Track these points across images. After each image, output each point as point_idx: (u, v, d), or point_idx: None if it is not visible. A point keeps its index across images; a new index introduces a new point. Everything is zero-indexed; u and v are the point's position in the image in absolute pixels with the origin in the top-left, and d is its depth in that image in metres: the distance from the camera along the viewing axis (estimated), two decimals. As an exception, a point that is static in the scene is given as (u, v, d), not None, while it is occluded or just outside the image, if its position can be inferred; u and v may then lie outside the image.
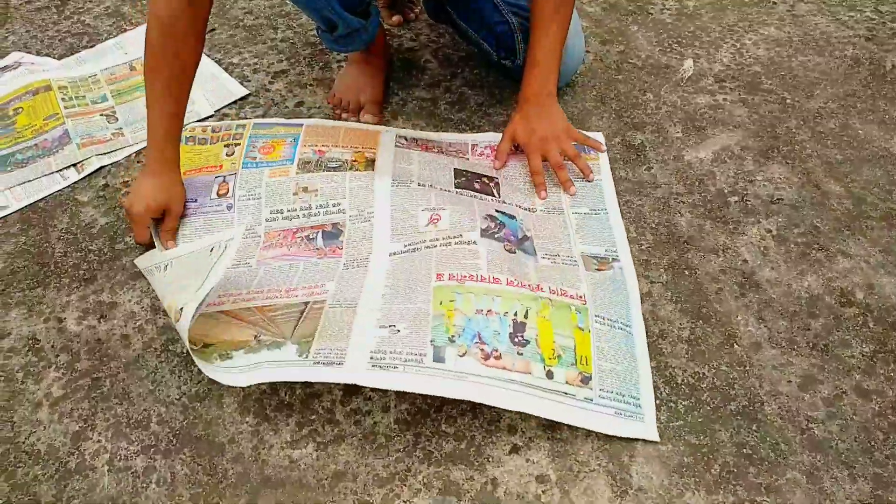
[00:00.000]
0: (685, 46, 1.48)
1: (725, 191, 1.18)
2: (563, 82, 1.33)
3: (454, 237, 1.04)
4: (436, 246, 1.04)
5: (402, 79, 1.42)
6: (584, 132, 1.20)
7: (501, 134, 1.21)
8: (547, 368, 0.91)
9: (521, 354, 0.91)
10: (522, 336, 0.93)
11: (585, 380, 0.91)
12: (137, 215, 1.07)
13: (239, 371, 0.90)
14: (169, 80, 1.03)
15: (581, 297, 0.99)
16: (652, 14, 1.57)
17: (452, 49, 1.48)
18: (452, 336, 0.91)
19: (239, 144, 1.22)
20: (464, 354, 0.90)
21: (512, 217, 1.10)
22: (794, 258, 1.08)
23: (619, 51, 1.47)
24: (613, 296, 1.01)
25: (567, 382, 0.90)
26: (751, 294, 1.04)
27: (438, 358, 0.89)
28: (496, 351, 0.91)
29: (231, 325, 0.96)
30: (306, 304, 0.98)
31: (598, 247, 1.08)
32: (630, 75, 1.41)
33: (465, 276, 0.98)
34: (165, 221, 1.09)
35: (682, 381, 0.94)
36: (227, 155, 1.20)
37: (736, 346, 0.98)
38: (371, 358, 0.89)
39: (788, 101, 1.34)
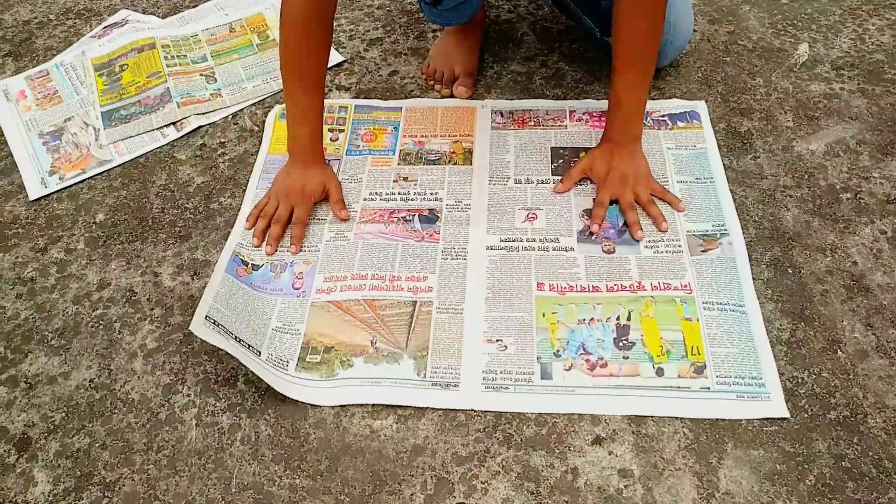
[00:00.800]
0: (801, 29, 1.38)
1: (837, 186, 1.11)
2: (667, 62, 1.27)
3: (551, 241, 1.05)
4: (533, 248, 1.04)
5: (498, 51, 1.39)
6: (664, 186, 1.10)
7: (603, 101, 1.16)
8: (657, 366, 0.90)
9: (627, 358, 0.92)
10: (627, 339, 0.93)
11: (699, 370, 0.90)
12: (292, 198, 1.08)
13: (360, 383, 0.92)
14: (305, 75, 1.05)
15: (686, 286, 0.97)
16: (766, -7, 1.48)
17: (551, 22, 1.44)
18: (557, 350, 0.93)
19: (343, 131, 1.24)
20: (570, 368, 0.91)
21: (612, 202, 1.07)
22: (911, 263, 1.01)
23: (729, 31, 1.39)
24: (722, 276, 0.98)
25: (679, 376, 0.89)
26: (859, 298, 0.98)
27: (546, 375, 0.91)
28: (601, 359, 0.92)
29: (347, 325, 0.97)
30: (414, 304, 0.99)
31: (704, 223, 1.05)
32: (739, 58, 1.33)
33: (565, 287, 0.99)
34: (331, 198, 1.10)
35: (780, 384, 0.90)
36: (331, 140, 1.21)
37: (840, 352, 0.93)
38: (483, 379, 0.91)
39: (914, 93, 1.25)
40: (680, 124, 1.19)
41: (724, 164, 1.15)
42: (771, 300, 0.98)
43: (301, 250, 1.06)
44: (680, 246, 1.03)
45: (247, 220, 1.10)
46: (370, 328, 0.97)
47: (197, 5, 1.56)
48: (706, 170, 1.12)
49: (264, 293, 1.01)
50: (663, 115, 1.20)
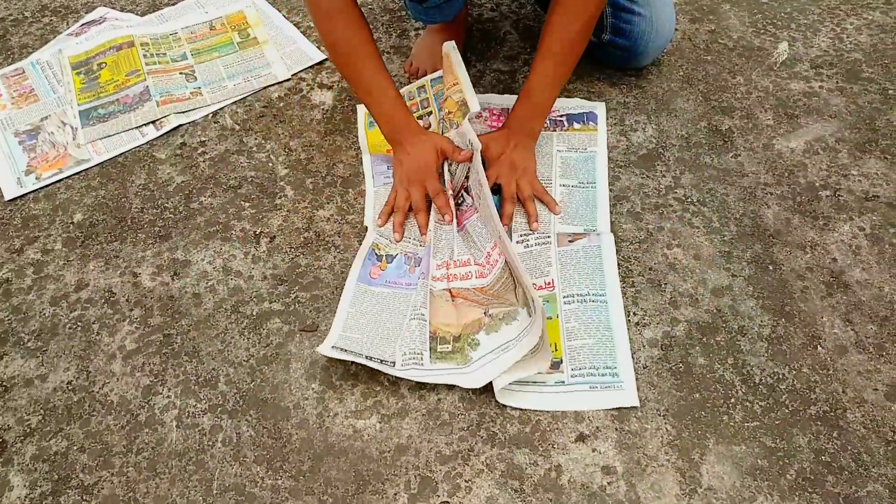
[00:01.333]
0: (780, 28, 1.40)
1: (817, 184, 1.12)
2: (648, 60, 1.28)
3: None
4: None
5: (481, 50, 1.39)
6: (546, 188, 1.10)
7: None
8: None
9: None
10: None
11: (555, 365, 0.92)
12: (422, 175, 1.07)
13: (494, 356, 0.91)
14: (370, 55, 1.07)
15: (550, 283, 0.99)
16: (746, -8, 1.49)
17: (534, 21, 1.44)
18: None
19: (430, 112, 1.22)
20: None
21: (494, 191, 1.07)
22: (889, 260, 1.02)
23: (710, 30, 1.40)
24: (585, 266, 1.01)
25: (538, 373, 0.90)
26: (839, 295, 0.99)
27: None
28: None
29: (463, 309, 0.97)
30: (506, 264, 0.99)
31: (577, 226, 1.07)
32: (720, 56, 1.34)
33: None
34: (449, 154, 1.08)
35: (760, 380, 0.90)
36: (424, 128, 1.16)
37: (820, 348, 0.93)
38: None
39: (891, 91, 1.26)
40: (576, 126, 1.20)
41: (705, 162, 1.15)
42: (752, 297, 0.99)
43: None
44: (549, 240, 1.04)
45: (379, 218, 1.09)
46: (482, 304, 0.97)
47: (176, 3, 1.54)
48: (591, 174, 1.13)
49: (399, 289, 1.01)
50: (561, 116, 1.21)
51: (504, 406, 0.89)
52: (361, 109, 1.26)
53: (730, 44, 1.37)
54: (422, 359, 0.92)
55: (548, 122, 1.19)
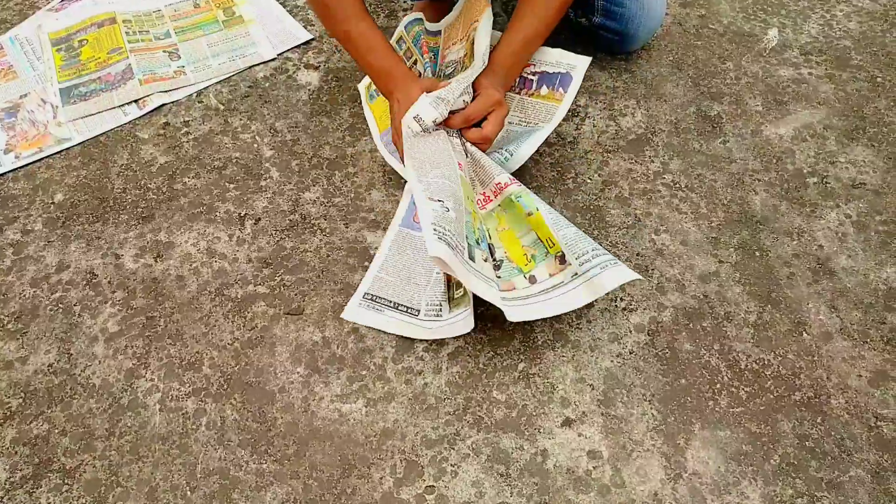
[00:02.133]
0: (770, 14, 1.39)
1: (804, 171, 1.12)
2: (638, 45, 1.27)
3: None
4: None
5: (469, 32, 1.37)
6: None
7: None
8: (528, 275, 0.93)
9: (500, 277, 0.93)
10: (494, 258, 0.95)
11: (562, 259, 0.92)
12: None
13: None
14: (360, 12, 1.07)
15: (513, 179, 0.99)
16: (736, -23, 1.48)
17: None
18: (477, 239, 0.93)
19: (415, 60, 1.20)
20: (486, 260, 0.93)
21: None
22: (874, 247, 1.03)
23: (700, 15, 1.39)
24: (526, 139, 1.04)
25: (550, 275, 0.91)
26: (824, 281, 0.99)
27: (471, 255, 0.90)
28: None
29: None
30: None
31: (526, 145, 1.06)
32: (710, 42, 1.33)
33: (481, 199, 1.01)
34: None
35: (746, 366, 0.91)
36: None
37: (805, 334, 0.94)
38: (434, 230, 0.86)
39: (879, 79, 1.26)
40: (543, 90, 1.15)
41: (694, 148, 1.15)
42: (738, 283, 0.99)
43: None
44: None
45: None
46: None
47: (160, -21, 1.51)
48: (518, 146, 1.07)
49: None
50: (534, 73, 1.16)
51: (490, 391, 0.89)
52: (362, 87, 1.24)
53: (720, 29, 1.36)
54: (441, 312, 0.93)
55: (521, 76, 1.15)
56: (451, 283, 0.95)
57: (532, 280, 0.93)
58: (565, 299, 0.89)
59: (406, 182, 1.05)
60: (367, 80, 1.24)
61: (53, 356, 0.94)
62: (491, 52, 1.06)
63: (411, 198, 1.03)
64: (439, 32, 1.21)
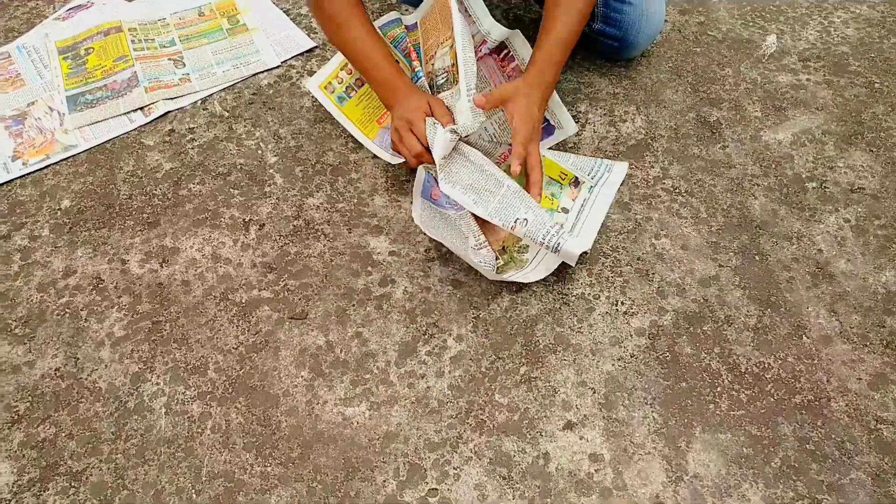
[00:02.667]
0: (769, 21, 1.40)
1: (803, 176, 1.13)
2: (638, 51, 1.28)
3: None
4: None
5: (471, 39, 1.38)
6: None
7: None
8: (559, 209, 1.08)
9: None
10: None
11: (575, 183, 1.10)
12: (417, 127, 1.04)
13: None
14: (362, 21, 1.10)
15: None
16: (736, -16, 1.49)
17: (524, 11, 1.44)
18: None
19: (399, 61, 1.19)
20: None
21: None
22: (873, 251, 1.03)
23: (699, 22, 1.40)
24: None
25: (573, 200, 1.08)
26: (824, 285, 1.00)
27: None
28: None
29: (487, 225, 1.02)
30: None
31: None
32: (709, 48, 1.35)
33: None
34: (436, 113, 1.05)
35: (746, 369, 0.92)
36: None
37: (805, 338, 0.95)
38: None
39: (877, 85, 1.27)
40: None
41: (693, 153, 1.16)
42: (738, 287, 1.00)
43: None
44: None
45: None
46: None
47: (165, -12, 1.53)
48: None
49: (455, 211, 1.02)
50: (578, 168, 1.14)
51: (492, 394, 0.90)
52: (315, 86, 1.20)
53: (719, 36, 1.37)
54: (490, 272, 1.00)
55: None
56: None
57: (564, 210, 1.07)
58: (596, 214, 1.06)
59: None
60: (320, 78, 1.20)
61: (60, 360, 0.95)
62: (530, 67, 1.07)
63: (423, 177, 1.08)
64: (416, 26, 1.21)
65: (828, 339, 0.94)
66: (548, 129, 1.16)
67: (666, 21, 1.38)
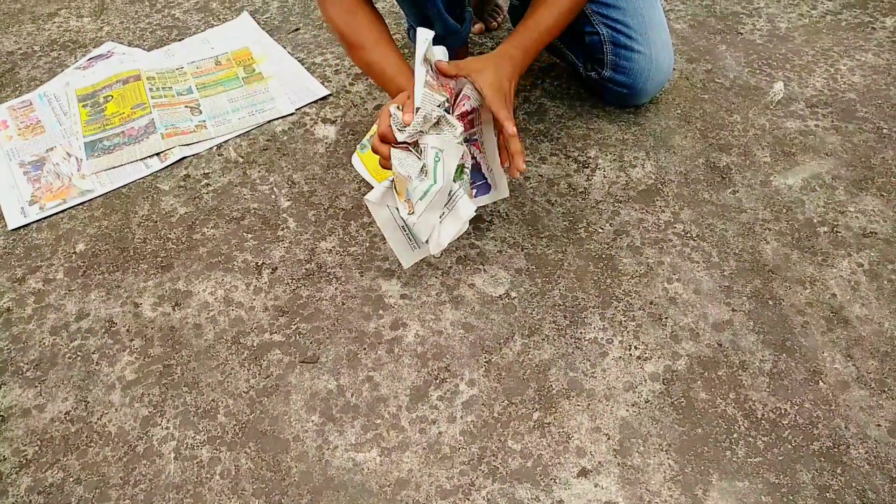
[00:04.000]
0: (775, 69, 1.43)
1: (815, 220, 1.13)
2: (647, 98, 1.30)
3: None
4: None
5: (481, 87, 1.41)
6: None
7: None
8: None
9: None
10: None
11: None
12: None
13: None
14: (384, 35, 1.09)
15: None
16: (742, 34, 1.52)
17: (534, 59, 1.46)
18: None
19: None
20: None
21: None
22: (888, 295, 1.03)
23: (706, 70, 1.43)
24: None
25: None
26: (839, 330, 0.99)
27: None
28: None
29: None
30: None
31: None
32: (717, 95, 1.37)
33: None
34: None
35: (763, 415, 0.90)
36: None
37: (821, 383, 0.93)
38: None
39: (885, 130, 1.28)
40: None
41: (704, 198, 1.17)
42: (752, 331, 0.99)
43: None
44: None
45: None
46: None
47: (183, 39, 1.57)
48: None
49: None
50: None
51: (505, 440, 0.89)
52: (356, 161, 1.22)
53: (726, 83, 1.39)
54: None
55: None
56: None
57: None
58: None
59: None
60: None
61: (71, 404, 0.95)
62: (504, 43, 1.06)
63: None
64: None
65: (845, 384, 0.93)
66: (484, 187, 1.11)
67: (674, 69, 1.40)
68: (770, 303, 1.02)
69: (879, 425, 0.89)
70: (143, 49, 1.55)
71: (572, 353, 0.97)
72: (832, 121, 1.30)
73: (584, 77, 1.32)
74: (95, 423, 0.93)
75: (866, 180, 1.19)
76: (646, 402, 0.92)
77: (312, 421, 0.92)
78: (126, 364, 0.99)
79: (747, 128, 1.29)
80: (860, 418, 0.90)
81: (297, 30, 1.58)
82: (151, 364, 0.99)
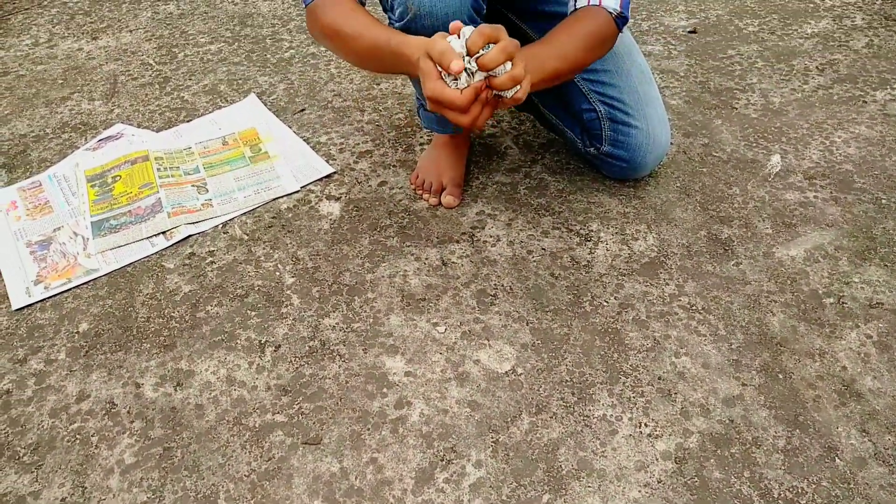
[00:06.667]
0: (771, 142, 1.45)
1: (820, 292, 1.13)
2: (646, 171, 1.32)
3: None
4: None
5: (482, 163, 1.43)
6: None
7: None
8: None
9: None
10: None
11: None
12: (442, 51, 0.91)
13: None
14: (368, 18, 1.07)
15: None
16: (736, 109, 1.56)
17: (533, 136, 1.50)
18: None
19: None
20: None
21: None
22: (899, 368, 1.01)
23: (703, 143, 1.45)
24: None
25: None
26: (852, 404, 0.97)
27: None
28: None
29: None
30: None
31: None
32: (715, 168, 1.39)
33: None
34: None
35: (779, 494, 0.87)
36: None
37: (838, 460, 0.91)
38: None
39: (884, 201, 1.29)
40: None
41: (707, 270, 1.17)
42: (764, 407, 0.97)
43: None
44: None
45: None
46: None
47: (191, 120, 1.61)
48: None
49: None
50: None
51: (515, 524, 0.85)
52: None
53: (723, 156, 1.42)
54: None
55: None
56: None
57: None
58: None
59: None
60: None
61: (67, 490, 0.92)
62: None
63: None
64: None
65: (862, 461, 0.90)
66: None
67: (671, 143, 1.43)
68: (780, 376, 1.01)
69: (901, 504, 0.86)
70: (153, 130, 1.59)
71: (581, 431, 0.95)
72: (831, 192, 1.32)
73: (583, 153, 1.34)
74: (92, 510, 0.90)
75: (869, 251, 1.19)
76: (658, 483, 0.89)
77: (315, 506, 0.89)
78: (126, 447, 0.97)
79: (747, 200, 1.31)
80: (881, 497, 0.87)
81: (302, 110, 1.62)
82: (151, 447, 0.97)
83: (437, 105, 0.95)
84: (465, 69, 0.92)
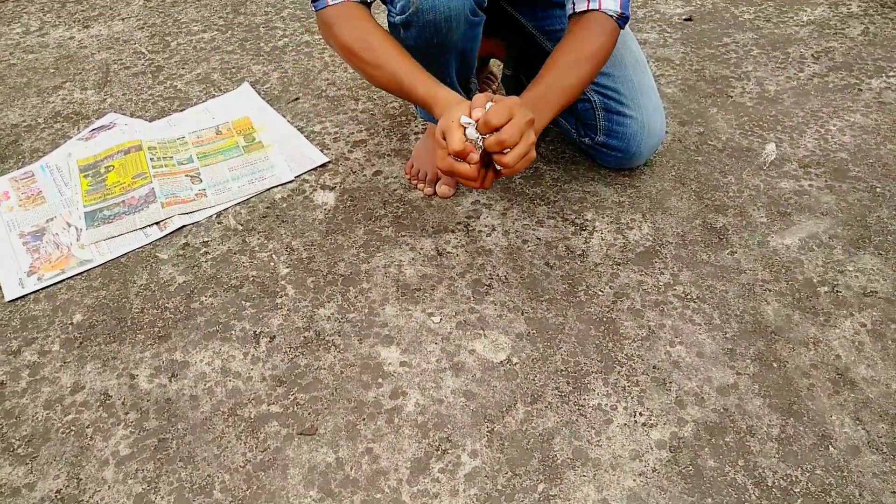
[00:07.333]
0: (766, 130, 1.45)
1: (814, 280, 1.13)
2: (641, 160, 1.31)
3: None
4: None
5: (478, 152, 1.43)
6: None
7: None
8: None
9: None
10: None
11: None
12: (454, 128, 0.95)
13: None
14: (390, 41, 1.07)
15: None
16: (732, 97, 1.55)
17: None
18: None
19: None
20: None
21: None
22: (893, 356, 1.01)
23: (698, 132, 1.45)
24: None
25: None
26: (846, 392, 0.97)
27: None
28: None
29: None
30: None
31: None
32: (710, 157, 1.38)
33: None
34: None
35: (774, 483, 0.88)
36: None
37: (831, 448, 0.91)
38: None
39: (879, 189, 1.29)
40: None
41: (702, 259, 1.17)
42: (758, 395, 0.97)
43: None
44: None
45: None
46: None
47: (184, 109, 1.60)
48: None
49: None
50: None
51: (510, 513, 0.86)
52: None
53: (719, 145, 1.41)
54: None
55: None
56: None
57: None
58: None
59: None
60: None
61: (62, 481, 0.92)
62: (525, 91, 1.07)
63: None
64: None
65: (856, 449, 0.91)
66: None
67: (666, 132, 1.42)
68: (774, 365, 1.01)
69: (895, 492, 0.86)
70: (146, 120, 1.58)
71: (576, 420, 0.95)
72: (826, 180, 1.32)
73: (577, 143, 1.34)
74: (87, 501, 0.90)
75: (863, 239, 1.20)
76: (653, 472, 0.89)
77: (311, 496, 0.89)
78: (121, 438, 0.97)
79: (742, 189, 1.31)
80: (874, 485, 0.87)
81: (296, 99, 1.61)
82: (146, 438, 0.97)
83: (448, 174, 1.00)
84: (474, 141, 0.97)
